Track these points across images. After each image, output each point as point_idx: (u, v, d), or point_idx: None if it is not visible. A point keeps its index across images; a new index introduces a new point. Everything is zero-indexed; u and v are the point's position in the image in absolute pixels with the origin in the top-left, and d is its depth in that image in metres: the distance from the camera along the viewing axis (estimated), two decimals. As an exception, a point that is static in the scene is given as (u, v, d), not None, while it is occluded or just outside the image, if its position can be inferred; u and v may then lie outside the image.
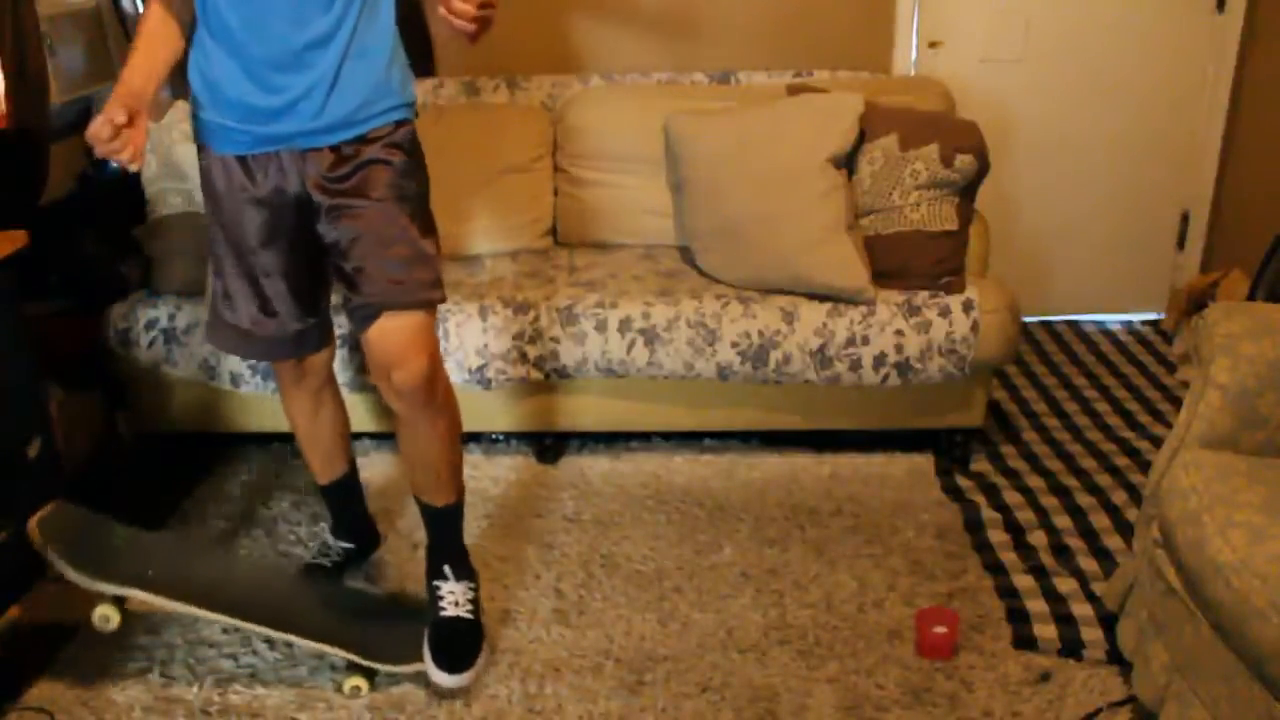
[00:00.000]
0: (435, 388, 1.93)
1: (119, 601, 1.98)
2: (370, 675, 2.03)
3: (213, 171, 1.94)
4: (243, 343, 2.05)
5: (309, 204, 1.92)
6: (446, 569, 2.10)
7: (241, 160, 1.90)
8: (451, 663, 1.99)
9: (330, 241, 1.91)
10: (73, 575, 1.94)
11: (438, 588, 2.09)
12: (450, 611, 2.06)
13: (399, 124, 1.92)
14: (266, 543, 2.53)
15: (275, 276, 1.98)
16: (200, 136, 1.96)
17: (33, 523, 1.99)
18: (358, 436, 2.96)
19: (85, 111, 3.20)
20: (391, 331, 1.87)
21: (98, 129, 1.75)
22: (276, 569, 2.25)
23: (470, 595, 2.10)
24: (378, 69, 1.89)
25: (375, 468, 2.85)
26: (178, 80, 3.28)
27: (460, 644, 2.02)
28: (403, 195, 1.89)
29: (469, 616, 2.07)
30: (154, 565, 2.03)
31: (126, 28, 3.36)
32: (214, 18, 1.82)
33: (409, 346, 1.87)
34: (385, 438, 2.97)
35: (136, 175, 2.92)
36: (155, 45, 1.87)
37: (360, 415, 2.83)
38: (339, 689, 2.02)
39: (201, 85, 1.91)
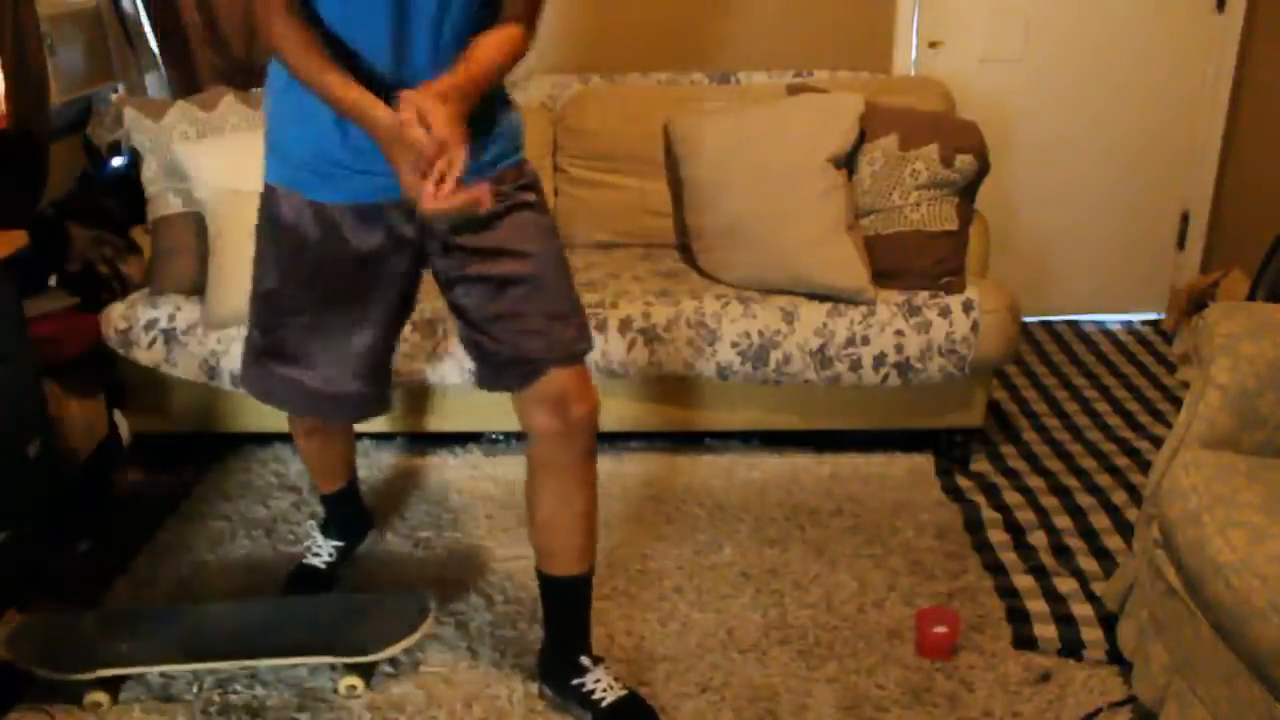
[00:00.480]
0: (596, 429, 1.80)
1: (106, 684, 2.00)
2: (365, 673, 2.03)
3: (301, 219, 1.74)
4: (304, 400, 1.89)
5: (421, 259, 1.80)
6: (585, 660, 1.93)
7: (347, 209, 1.73)
8: None
9: (470, 302, 1.76)
10: (53, 678, 1.97)
11: (582, 685, 1.91)
12: (610, 697, 1.89)
13: (522, 163, 1.80)
14: (266, 543, 2.53)
15: (363, 334, 1.84)
16: (286, 180, 1.75)
17: (0, 641, 2.04)
18: (358, 437, 2.97)
19: (85, 111, 3.21)
20: (564, 376, 1.74)
21: (424, 149, 1.46)
22: (246, 601, 2.26)
23: (609, 668, 1.95)
24: (498, 103, 1.76)
25: (375, 468, 2.85)
26: (177, 80, 3.30)
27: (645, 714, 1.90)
28: (551, 236, 1.78)
29: (625, 691, 1.91)
30: (127, 639, 2.04)
31: (126, 28, 3.36)
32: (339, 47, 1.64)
33: (584, 382, 1.76)
34: (385, 438, 2.98)
35: (136, 175, 2.92)
36: (329, 58, 1.60)
37: (360, 415, 2.83)
38: (337, 689, 2.02)
39: (301, 121, 1.70)
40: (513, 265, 1.73)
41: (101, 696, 1.99)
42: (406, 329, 2.65)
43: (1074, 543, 2.45)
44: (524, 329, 1.73)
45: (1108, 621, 2.12)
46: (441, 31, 1.62)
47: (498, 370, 1.78)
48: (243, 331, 2.66)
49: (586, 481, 1.83)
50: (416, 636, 2.02)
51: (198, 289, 2.76)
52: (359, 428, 2.90)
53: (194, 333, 2.68)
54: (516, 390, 1.78)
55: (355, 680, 2.01)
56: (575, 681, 1.92)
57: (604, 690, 1.90)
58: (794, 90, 3.03)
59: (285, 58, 1.59)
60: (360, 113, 1.55)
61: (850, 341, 2.61)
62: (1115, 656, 2.04)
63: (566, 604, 1.94)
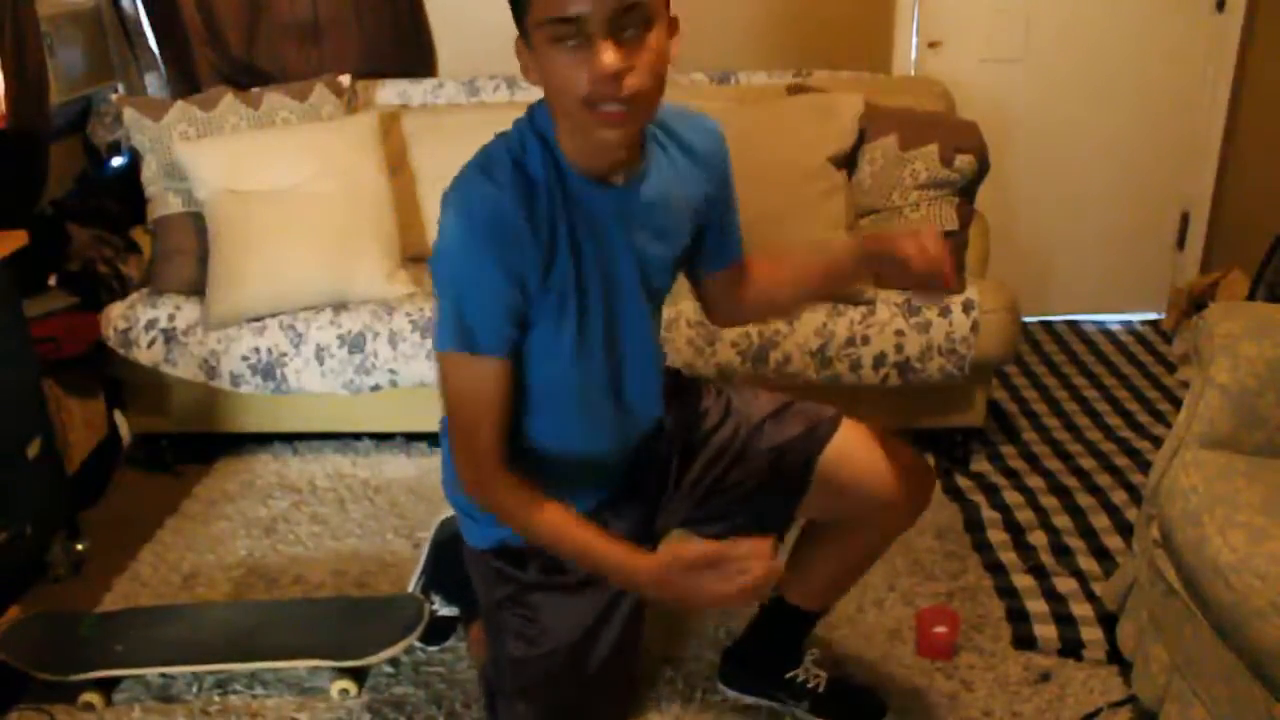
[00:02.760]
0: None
1: (100, 685, 2.00)
2: (358, 676, 2.03)
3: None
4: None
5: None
6: (790, 664, 1.93)
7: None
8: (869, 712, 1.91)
9: (716, 504, 1.68)
10: (46, 678, 1.98)
11: (795, 677, 1.92)
12: (822, 685, 1.91)
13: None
14: (266, 543, 2.53)
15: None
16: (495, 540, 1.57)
17: None
18: (357, 437, 2.97)
19: (85, 111, 3.21)
20: (847, 459, 1.60)
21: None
22: (240, 602, 2.26)
23: (814, 656, 1.95)
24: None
25: (375, 468, 2.85)
26: (177, 80, 3.30)
27: (861, 698, 1.93)
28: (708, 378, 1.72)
29: (826, 674, 1.93)
30: (122, 641, 2.04)
31: (126, 28, 3.36)
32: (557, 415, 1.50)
33: (875, 452, 1.63)
34: (385, 437, 2.98)
35: (136, 175, 2.92)
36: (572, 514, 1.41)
37: (359, 415, 2.83)
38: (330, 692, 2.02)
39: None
40: (722, 441, 1.65)
41: (95, 697, 1.99)
42: (406, 329, 2.65)
43: (1074, 543, 2.45)
44: (783, 451, 1.63)
45: (1108, 621, 2.12)
46: (652, 344, 1.56)
47: (785, 497, 1.66)
48: (242, 331, 2.67)
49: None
50: (412, 639, 2.01)
51: (198, 289, 2.76)
52: (357, 428, 2.91)
53: (194, 333, 2.68)
54: (810, 495, 1.65)
55: (348, 684, 2.01)
56: (790, 674, 1.92)
57: (815, 678, 1.92)
58: (794, 90, 3.03)
59: (504, 515, 1.41)
60: (615, 566, 1.37)
61: (850, 341, 2.61)
62: (1115, 656, 2.04)
63: (798, 628, 1.91)
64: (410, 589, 2.20)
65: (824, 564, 1.79)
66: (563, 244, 1.34)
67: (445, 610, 2.14)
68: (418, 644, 2.12)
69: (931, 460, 2.82)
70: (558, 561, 1.52)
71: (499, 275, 1.30)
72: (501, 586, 1.57)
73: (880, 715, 1.92)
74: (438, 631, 2.14)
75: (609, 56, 1.20)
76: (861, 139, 2.80)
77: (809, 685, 1.93)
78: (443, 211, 1.32)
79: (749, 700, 1.98)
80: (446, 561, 2.13)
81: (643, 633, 1.67)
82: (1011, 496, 2.66)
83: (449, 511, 2.05)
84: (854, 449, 1.65)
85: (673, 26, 1.31)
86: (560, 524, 1.39)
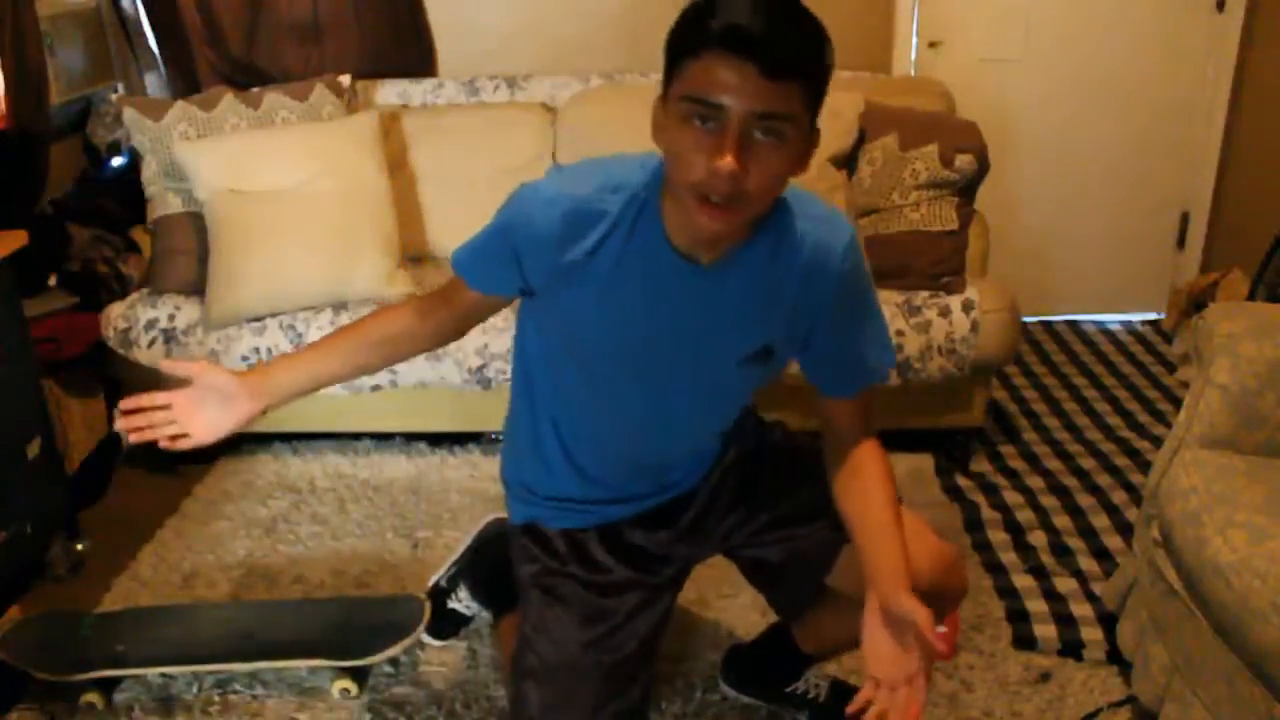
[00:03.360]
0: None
1: (100, 685, 2.00)
2: (359, 676, 2.03)
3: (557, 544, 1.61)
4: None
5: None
6: (791, 679, 1.94)
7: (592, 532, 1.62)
8: None
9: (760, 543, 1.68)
10: (46, 678, 1.98)
11: (795, 689, 1.93)
12: (824, 693, 1.92)
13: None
14: (267, 543, 2.53)
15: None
16: (547, 520, 1.62)
17: None
18: (357, 437, 2.97)
19: (85, 111, 3.21)
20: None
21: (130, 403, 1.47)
22: (240, 602, 2.26)
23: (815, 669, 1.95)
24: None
25: (375, 468, 2.85)
26: (177, 80, 3.30)
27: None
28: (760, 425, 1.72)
29: (828, 680, 1.94)
30: (124, 640, 2.04)
31: (126, 28, 3.37)
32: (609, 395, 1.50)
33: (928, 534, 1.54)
34: (385, 438, 2.98)
35: (136, 175, 2.92)
36: (341, 351, 1.50)
37: (359, 415, 2.83)
38: (331, 692, 2.02)
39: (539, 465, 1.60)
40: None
41: (95, 697, 1.99)
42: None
43: (1074, 543, 2.45)
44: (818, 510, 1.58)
45: (1108, 621, 2.12)
46: (702, 428, 1.56)
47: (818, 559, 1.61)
48: (242, 331, 2.67)
49: None
50: (412, 639, 2.01)
51: (198, 289, 2.76)
52: (358, 428, 2.91)
53: (194, 333, 2.68)
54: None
55: (349, 683, 2.01)
56: (790, 688, 1.93)
57: (815, 688, 1.93)
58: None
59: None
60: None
61: (850, 341, 2.61)
62: (1115, 656, 2.04)
63: (804, 660, 1.90)
64: (440, 575, 2.20)
65: (841, 628, 1.63)
66: (596, 270, 1.35)
67: (464, 606, 2.14)
68: (425, 636, 2.12)
69: (931, 460, 2.82)
70: (594, 560, 1.59)
71: (505, 231, 1.41)
72: (529, 564, 1.61)
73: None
74: (446, 626, 2.15)
75: (729, 158, 1.16)
76: (861, 139, 2.80)
77: (809, 695, 1.93)
78: (551, 171, 1.42)
79: (748, 700, 1.98)
80: (486, 559, 2.14)
81: (658, 646, 1.65)
82: (1011, 496, 2.66)
83: (495, 513, 2.13)
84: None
85: (813, 139, 1.25)
86: (342, 332, 1.52)
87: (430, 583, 2.20)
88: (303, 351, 1.51)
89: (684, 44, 1.18)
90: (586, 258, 1.34)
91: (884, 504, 1.45)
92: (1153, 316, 3.83)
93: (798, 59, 1.16)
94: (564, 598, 1.57)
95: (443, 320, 1.51)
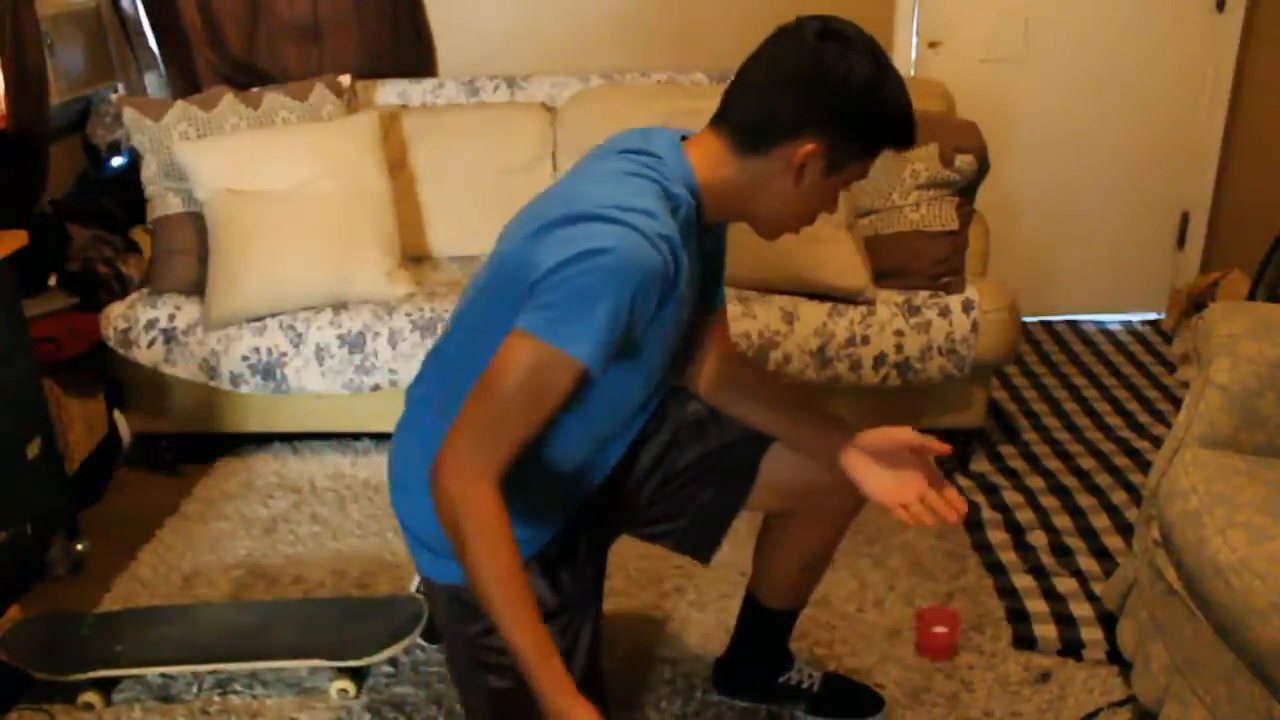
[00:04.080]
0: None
1: (100, 685, 2.00)
2: (358, 676, 2.03)
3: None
4: None
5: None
6: (783, 668, 1.95)
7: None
8: (866, 707, 1.94)
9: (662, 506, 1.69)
10: (46, 678, 1.98)
11: (789, 679, 1.94)
12: (816, 684, 1.94)
13: None
14: (267, 543, 2.53)
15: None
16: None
17: None
18: (357, 436, 2.97)
19: (85, 111, 3.21)
20: (793, 462, 1.61)
21: None
22: (240, 602, 2.26)
23: (805, 657, 2.00)
24: None
25: (376, 468, 2.85)
26: (177, 80, 3.30)
27: (857, 693, 1.96)
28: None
29: (820, 672, 1.97)
30: (122, 641, 2.05)
31: (126, 28, 3.37)
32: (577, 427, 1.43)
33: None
34: (385, 438, 2.97)
35: (136, 175, 2.92)
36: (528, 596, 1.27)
37: (359, 415, 2.83)
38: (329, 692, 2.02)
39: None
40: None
41: (94, 697, 1.99)
42: (406, 328, 2.66)
43: (1074, 543, 2.45)
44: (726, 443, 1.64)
45: (1108, 621, 2.12)
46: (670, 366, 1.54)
47: (730, 495, 1.66)
48: (242, 331, 2.67)
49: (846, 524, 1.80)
50: (412, 639, 2.01)
51: (198, 289, 2.76)
52: (357, 428, 2.91)
53: (194, 333, 2.68)
54: (752, 494, 1.66)
55: (347, 684, 2.01)
56: (783, 679, 1.94)
57: (809, 678, 1.95)
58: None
59: (468, 538, 1.23)
60: (544, 666, 1.24)
61: (850, 341, 2.61)
62: (1115, 656, 2.04)
63: (780, 628, 1.92)
64: (417, 580, 2.19)
65: (784, 562, 1.80)
66: (680, 291, 1.35)
67: None
68: (420, 641, 2.12)
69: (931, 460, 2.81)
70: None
71: (629, 311, 1.25)
72: (474, 622, 1.47)
73: (878, 709, 1.93)
74: (435, 629, 2.14)
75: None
76: (861, 139, 2.80)
77: (804, 686, 1.94)
78: (598, 222, 1.25)
79: (745, 704, 1.98)
80: None
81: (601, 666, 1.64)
82: (1011, 496, 2.66)
83: None
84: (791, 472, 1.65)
85: None
86: (515, 569, 1.25)
87: (413, 587, 2.20)
88: (530, 605, 1.27)
89: (891, 139, 1.35)
90: (674, 284, 1.32)
91: (784, 386, 1.65)
92: (1153, 316, 3.83)
93: None
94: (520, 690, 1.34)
95: (521, 448, 1.29)
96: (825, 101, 1.29)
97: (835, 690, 1.95)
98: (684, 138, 1.41)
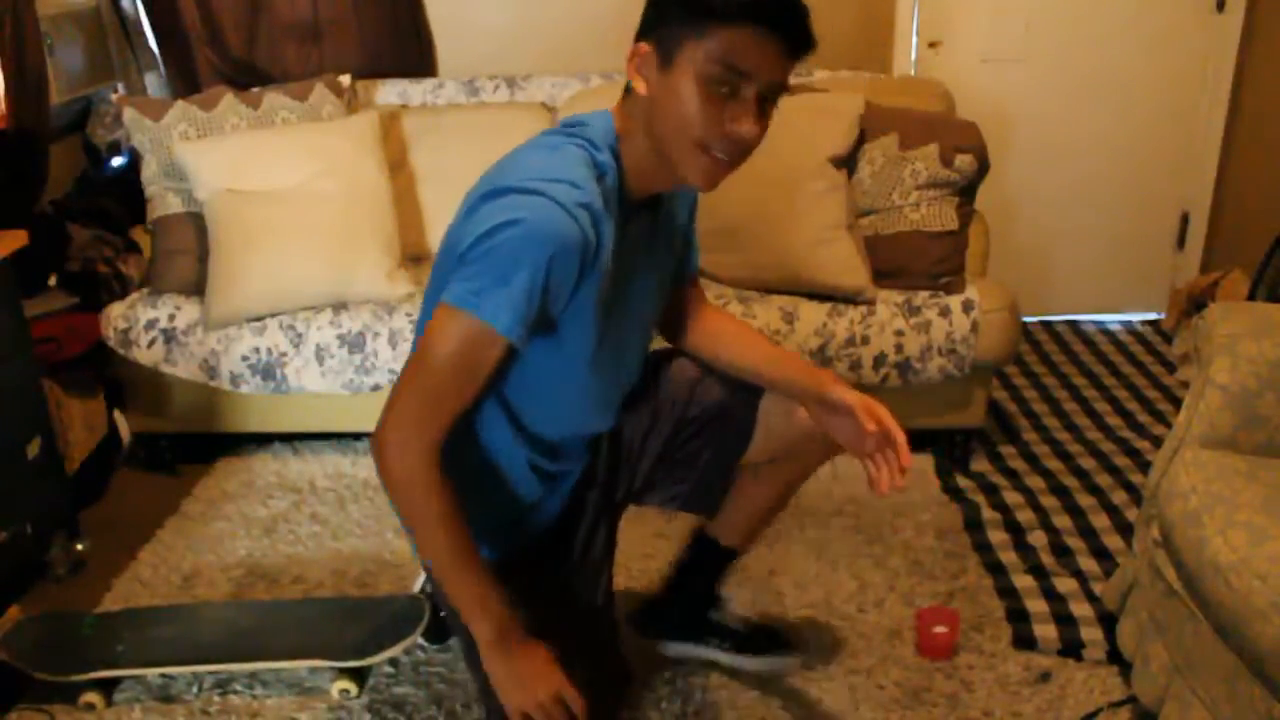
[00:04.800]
0: None
1: (100, 685, 2.00)
2: (358, 676, 2.03)
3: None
4: None
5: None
6: (711, 607, 2.03)
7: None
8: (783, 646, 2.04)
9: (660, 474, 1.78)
10: (46, 678, 1.98)
11: (717, 619, 2.04)
12: (737, 624, 2.04)
13: None
14: (266, 543, 2.53)
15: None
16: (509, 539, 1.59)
17: None
18: (357, 436, 2.97)
19: (85, 111, 3.21)
20: (783, 412, 1.68)
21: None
22: (240, 602, 2.26)
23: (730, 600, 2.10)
24: None
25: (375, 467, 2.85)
26: (177, 80, 3.30)
27: (776, 636, 2.06)
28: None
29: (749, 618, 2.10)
30: (123, 641, 2.05)
31: (126, 28, 3.37)
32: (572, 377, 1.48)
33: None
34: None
35: (136, 175, 2.92)
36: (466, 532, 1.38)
37: (360, 415, 2.83)
38: (331, 692, 2.02)
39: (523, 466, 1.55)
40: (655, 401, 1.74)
41: (95, 697, 1.99)
42: (406, 328, 2.66)
43: (1074, 543, 2.45)
44: (722, 407, 1.71)
45: (1108, 621, 2.12)
46: (649, 336, 1.63)
47: (728, 455, 1.75)
48: (242, 331, 2.67)
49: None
50: (411, 640, 2.01)
51: (198, 289, 2.76)
52: (356, 428, 2.91)
53: (194, 333, 2.68)
54: (749, 453, 1.74)
55: (349, 684, 2.01)
56: (712, 618, 2.01)
57: (736, 621, 2.04)
58: (794, 90, 3.03)
59: (402, 491, 1.34)
60: (473, 594, 1.36)
61: (850, 341, 2.61)
62: (1115, 656, 2.04)
63: (723, 567, 1.99)
64: (421, 581, 2.20)
65: (752, 502, 1.85)
66: (602, 260, 1.35)
67: None
68: (421, 641, 2.12)
69: (931, 460, 2.82)
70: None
71: (545, 281, 1.27)
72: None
73: (793, 649, 2.03)
74: (441, 629, 2.15)
75: (751, 124, 1.29)
76: (861, 139, 2.80)
77: (731, 626, 2.03)
78: (518, 194, 1.28)
79: (673, 652, 2.02)
80: None
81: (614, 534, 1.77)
82: (1011, 496, 2.66)
83: None
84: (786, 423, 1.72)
85: None
86: (453, 513, 1.34)
87: (416, 587, 2.20)
88: (469, 545, 1.38)
89: (715, 8, 1.24)
90: (595, 255, 1.34)
91: (760, 336, 1.69)
92: (1153, 316, 3.83)
93: (810, 41, 1.29)
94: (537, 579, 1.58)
95: (457, 417, 1.34)
96: (645, 8, 1.31)
97: (756, 631, 2.05)
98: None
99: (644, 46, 1.31)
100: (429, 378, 1.29)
